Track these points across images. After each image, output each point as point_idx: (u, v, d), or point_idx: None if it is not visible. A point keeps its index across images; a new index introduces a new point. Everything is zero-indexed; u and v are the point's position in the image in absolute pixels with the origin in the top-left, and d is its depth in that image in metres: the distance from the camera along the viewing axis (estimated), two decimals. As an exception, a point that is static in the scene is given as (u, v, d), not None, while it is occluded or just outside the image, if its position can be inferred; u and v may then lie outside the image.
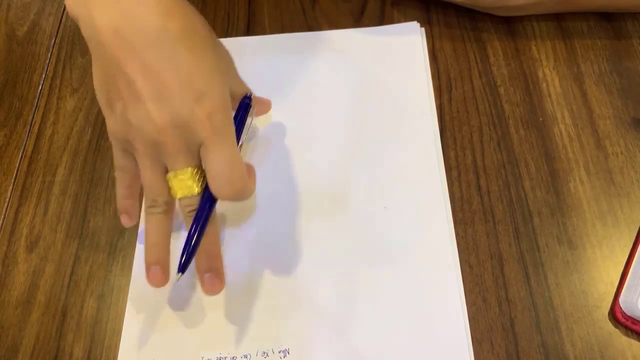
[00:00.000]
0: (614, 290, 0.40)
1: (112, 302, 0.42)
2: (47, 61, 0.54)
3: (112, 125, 0.36)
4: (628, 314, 0.38)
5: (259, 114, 0.47)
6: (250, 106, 0.42)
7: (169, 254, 0.38)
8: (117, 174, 0.40)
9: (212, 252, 0.39)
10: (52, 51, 0.55)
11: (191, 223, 0.36)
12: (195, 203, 0.36)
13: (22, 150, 0.49)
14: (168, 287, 0.41)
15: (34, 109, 0.51)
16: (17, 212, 0.46)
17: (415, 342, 0.38)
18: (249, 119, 0.41)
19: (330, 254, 0.42)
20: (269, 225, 0.44)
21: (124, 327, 0.40)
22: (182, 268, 0.36)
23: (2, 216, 0.46)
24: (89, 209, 0.46)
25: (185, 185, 0.36)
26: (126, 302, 0.41)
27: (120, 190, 0.40)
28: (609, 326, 0.39)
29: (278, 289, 0.41)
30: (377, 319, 0.39)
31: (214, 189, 0.36)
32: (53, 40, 0.55)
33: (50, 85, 0.52)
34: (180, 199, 0.36)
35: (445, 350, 0.38)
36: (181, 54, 0.34)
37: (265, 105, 0.47)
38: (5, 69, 0.54)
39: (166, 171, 0.36)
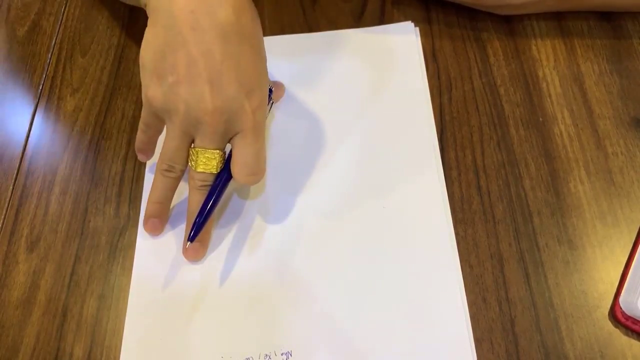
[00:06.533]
0: (614, 290, 0.40)
1: (112, 302, 0.42)
2: (47, 61, 0.54)
3: (154, 93, 0.38)
4: (628, 314, 0.38)
5: (276, 99, 0.48)
6: (271, 95, 0.45)
7: (168, 213, 0.44)
8: (142, 127, 0.43)
9: (207, 227, 0.42)
10: (52, 51, 0.55)
11: (206, 197, 0.40)
12: (210, 180, 0.40)
13: (22, 150, 0.49)
14: (168, 288, 0.42)
15: (34, 109, 0.51)
16: (17, 212, 0.46)
17: (418, 342, 0.38)
18: (268, 106, 0.44)
19: (331, 256, 0.42)
20: (268, 226, 0.44)
21: (125, 330, 0.40)
22: (192, 238, 0.40)
23: (3, 216, 0.46)
24: (89, 209, 0.46)
25: (209, 164, 0.39)
26: (126, 302, 0.41)
27: (142, 138, 0.44)
28: (609, 326, 0.39)
29: (279, 291, 0.41)
30: (379, 321, 0.39)
31: (237, 173, 0.39)
32: (53, 40, 0.55)
33: (50, 85, 0.52)
34: (197, 173, 0.40)
35: (447, 350, 0.38)
36: (244, 49, 0.38)
37: (281, 90, 0.49)
38: (5, 69, 0.54)
39: (191, 143, 0.40)
